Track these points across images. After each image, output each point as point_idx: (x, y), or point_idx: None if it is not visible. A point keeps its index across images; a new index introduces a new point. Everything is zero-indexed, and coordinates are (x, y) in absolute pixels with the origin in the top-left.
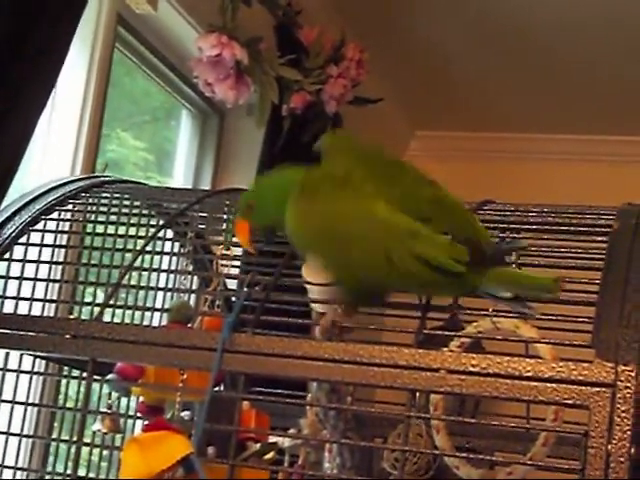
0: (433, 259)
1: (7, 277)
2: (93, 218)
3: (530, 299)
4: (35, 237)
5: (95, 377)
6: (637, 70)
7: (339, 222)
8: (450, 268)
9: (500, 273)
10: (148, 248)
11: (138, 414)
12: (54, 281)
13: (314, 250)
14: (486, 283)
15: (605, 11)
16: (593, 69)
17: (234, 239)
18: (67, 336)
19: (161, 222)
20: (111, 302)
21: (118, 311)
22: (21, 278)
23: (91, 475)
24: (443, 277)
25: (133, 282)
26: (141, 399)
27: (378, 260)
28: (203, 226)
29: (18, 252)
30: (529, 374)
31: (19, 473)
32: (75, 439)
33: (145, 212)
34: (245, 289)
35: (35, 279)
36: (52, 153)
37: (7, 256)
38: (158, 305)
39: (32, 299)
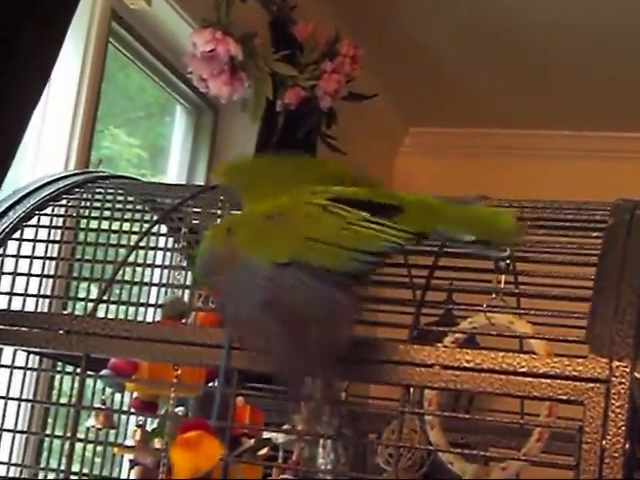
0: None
1: (1, 272)
2: (87, 213)
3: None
4: (29, 232)
5: (89, 373)
6: (629, 67)
7: (259, 210)
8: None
9: (459, 212)
10: (142, 243)
11: (132, 410)
12: (48, 276)
13: None
14: (445, 224)
15: (597, 10)
16: (585, 66)
17: None
18: (61, 332)
19: (155, 217)
20: (105, 298)
21: (112, 307)
22: (15, 274)
23: (85, 471)
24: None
25: (127, 278)
26: (135, 395)
27: (316, 211)
28: (197, 221)
29: (12, 247)
30: (523, 370)
31: (12, 469)
32: (69, 435)
33: (139, 207)
34: None
35: (29, 274)
36: (46, 148)
37: (1, 251)
38: (152, 301)
39: (26, 295)
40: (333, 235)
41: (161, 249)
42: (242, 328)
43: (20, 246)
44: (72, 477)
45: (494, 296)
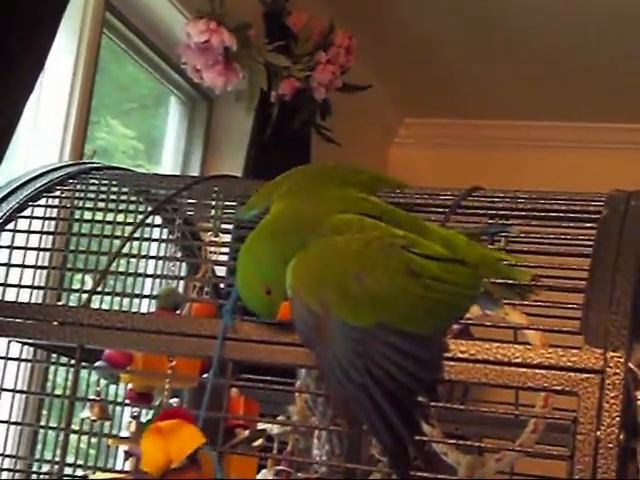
0: (439, 254)
1: None
2: (81, 204)
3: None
4: (23, 224)
5: (83, 364)
6: (625, 59)
7: (344, 260)
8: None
9: (480, 255)
10: (136, 235)
11: (127, 401)
12: (42, 268)
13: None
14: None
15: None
16: (582, 57)
17: (223, 226)
18: (55, 323)
19: (149, 208)
20: (99, 289)
21: (106, 298)
22: (9, 265)
23: (79, 462)
24: (456, 267)
25: (121, 269)
26: (130, 386)
27: (400, 277)
28: (192, 212)
29: (5, 239)
30: (518, 360)
31: (7, 460)
32: (63, 426)
33: (133, 198)
34: None
35: (23, 265)
36: (40, 140)
37: None
38: (146, 292)
39: (20, 286)
40: (416, 300)
41: (155, 240)
42: (346, 405)
43: (14, 237)
44: (66, 468)
45: None
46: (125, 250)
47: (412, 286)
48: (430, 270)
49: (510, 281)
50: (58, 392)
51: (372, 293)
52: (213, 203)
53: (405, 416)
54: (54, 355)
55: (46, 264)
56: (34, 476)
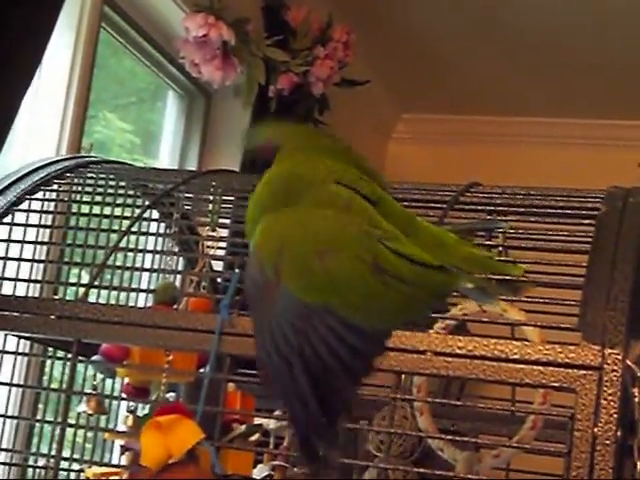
0: (414, 255)
1: None
2: (78, 198)
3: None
4: (20, 217)
5: (80, 358)
6: (625, 55)
7: (313, 234)
8: (432, 262)
9: (470, 254)
10: (134, 229)
11: (123, 395)
12: (39, 261)
13: (292, 271)
14: (454, 263)
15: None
16: (582, 53)
17: (220, 220)
18: (52, 317)
19: (147, 203)
20: (96, 283)
21: (103, 292)
22: (5, 258)
23: (76, 456)
24: (429, 272)
25: (118, 263)
26: (126, 380)
27: (363, 267)
28: (189, 207)
29: (2, 232)
30: (516, 356)
31: (3, 454)
32: (60, 420)
33: (131, 192)
34: (236, 270)
35: (20, 259)
36: (37, 133)
37: None
38: (143, 286)
39: (16, 279)
40: (371, 295)
41: (153, 234)
42: (267, 376)
43: (11, 231)
44: (63, 462)
45: None
46: (122, 244)
47: (372, 280)
48: (397, 269)
49: (501, 277)
50: (54, 386)
51: (329, 275)
52: (210, 197)
53: (324, 403)
54: (51, 349)
55: (43, 258)
56: (30, 470)
